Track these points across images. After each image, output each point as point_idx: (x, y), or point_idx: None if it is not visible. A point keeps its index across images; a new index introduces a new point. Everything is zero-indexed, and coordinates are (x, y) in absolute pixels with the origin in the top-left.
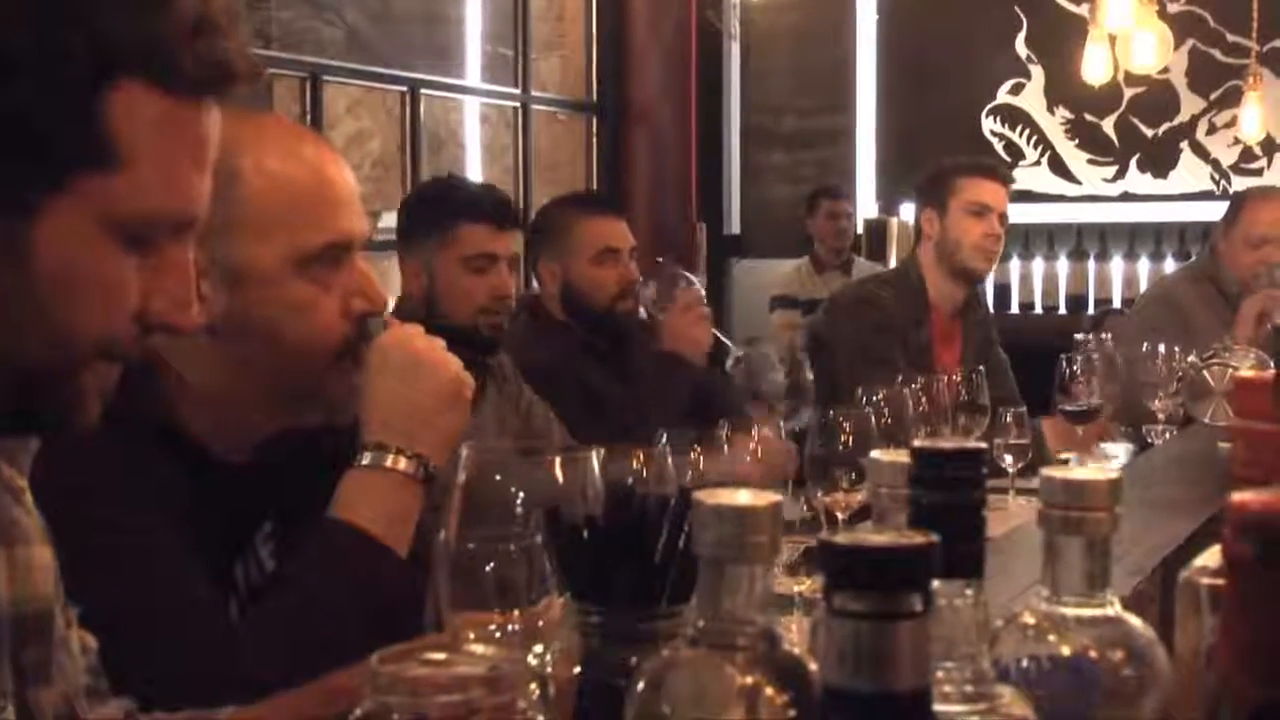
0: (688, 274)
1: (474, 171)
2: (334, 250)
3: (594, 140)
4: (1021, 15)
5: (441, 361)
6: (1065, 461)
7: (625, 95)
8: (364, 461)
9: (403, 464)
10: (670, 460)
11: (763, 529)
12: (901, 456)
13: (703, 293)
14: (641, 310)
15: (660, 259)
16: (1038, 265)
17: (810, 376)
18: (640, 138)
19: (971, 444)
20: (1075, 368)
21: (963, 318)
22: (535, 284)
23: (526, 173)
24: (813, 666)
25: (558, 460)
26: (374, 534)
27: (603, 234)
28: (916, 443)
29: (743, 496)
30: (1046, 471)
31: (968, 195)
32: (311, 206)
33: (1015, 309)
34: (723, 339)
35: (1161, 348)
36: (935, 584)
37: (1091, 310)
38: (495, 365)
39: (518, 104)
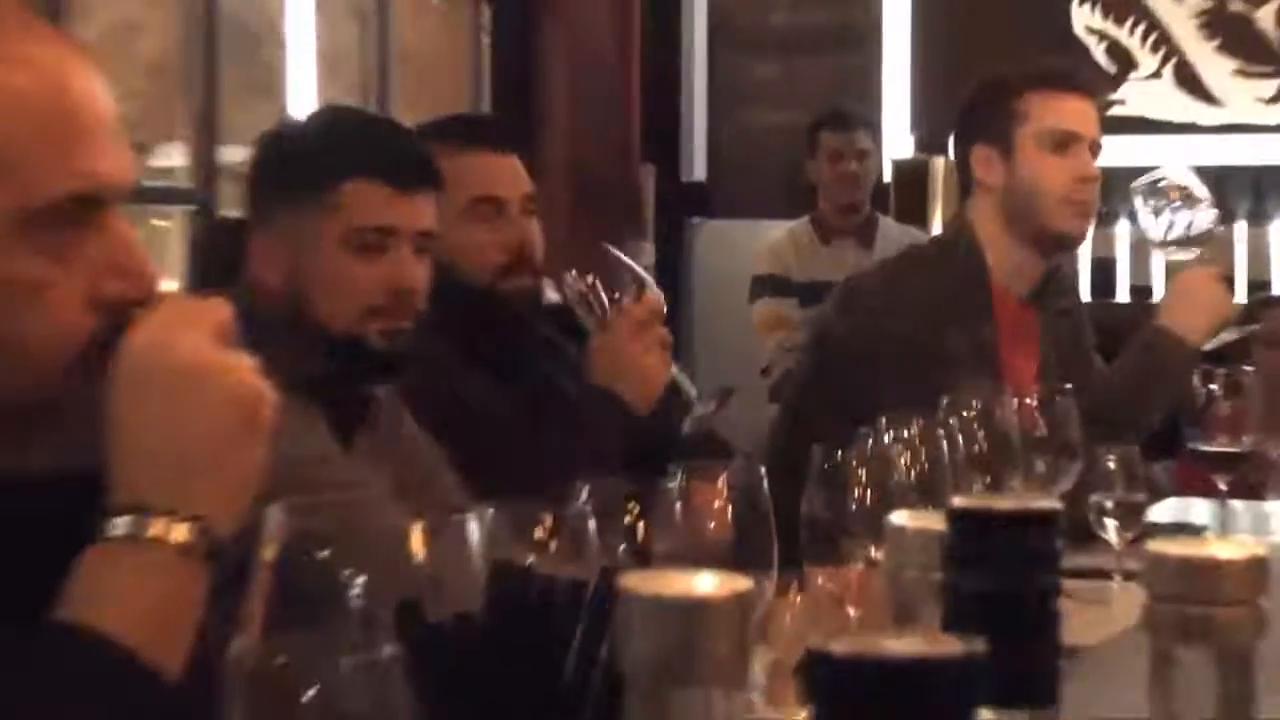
0: (642, 272)
1: (304, 85)
2: (78, 204)
3: (487, 40)
4: None
5: (221, 368)
6: (1199, 532)
7: None
8: (114, 532)
9: (175, 533)
10: (591, 525)
11: (723, 632)
12: (934, 521)
13: (663, 304)
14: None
15: (609, 246)
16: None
17: None
18: (557, 37)
19: (1037, 503)
20: (1215, 387)
21: (1038, 306)
22: None
23: (384, 89)
24: None
25: (416, 527)
26: (129, 645)
27: (477, 176)
28: (957, 501)
29: (696, 582)
30: (1156, 546)
31: (1043, 119)
32: (43, 137)
33: (1124, 296)
34: (682, 382)
35: None
36: (984, 715)
37: (1243, 298)
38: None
39: None
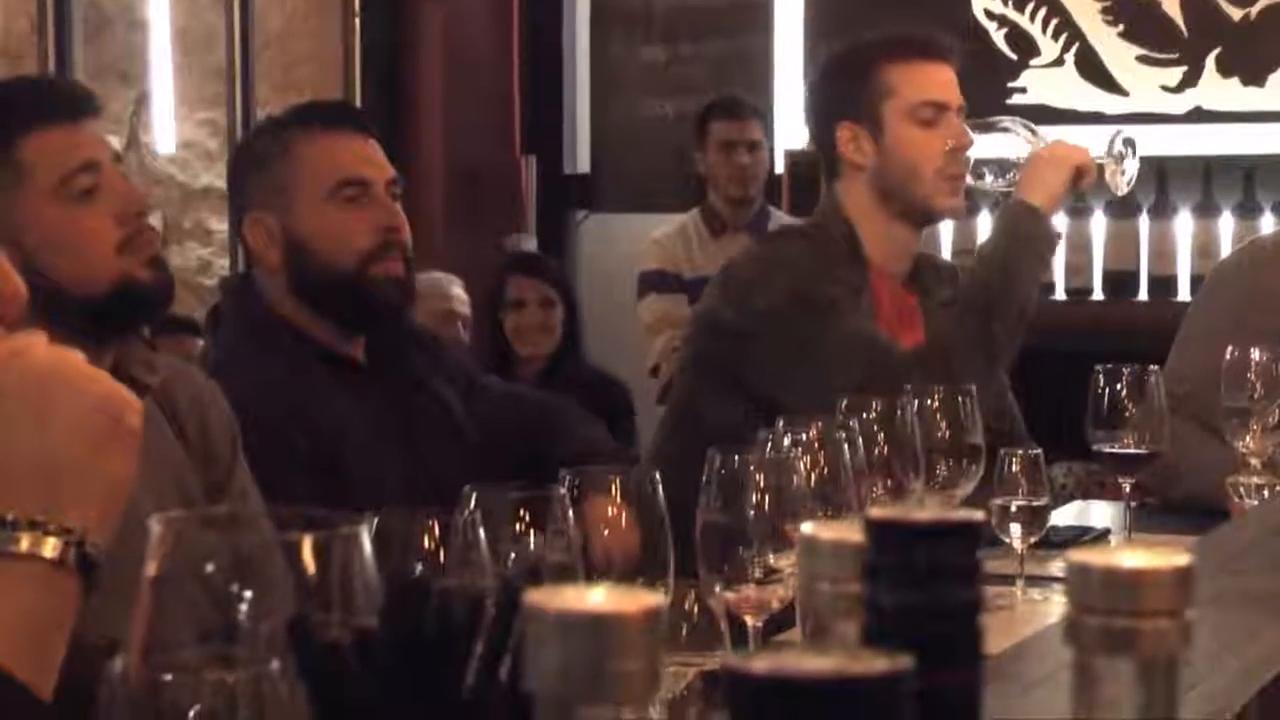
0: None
1: (160, 68)
2: None
3: (355, 23)
4: None
5: (84, 375)
6: (1103, 536)
7: None
8: None
9: (44, 546)
10: (482, 535)
11: (633, 648)
12: (849, 532)
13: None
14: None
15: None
16: (1059, 224)
17: None
18: (431, 20)
19: (961, 512)
20: (1119, 387)
21: (919, 292)
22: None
23: (246, 71)
24: None
25: (307, 539)
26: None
27: (343, 158)
28: (873, 511)
29: (601, 596)
30: (1077, 556)
31: (909, 93)
32: None
33: None
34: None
35: (1256, 353)
36: None
37: (1144, 295)
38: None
39: None
